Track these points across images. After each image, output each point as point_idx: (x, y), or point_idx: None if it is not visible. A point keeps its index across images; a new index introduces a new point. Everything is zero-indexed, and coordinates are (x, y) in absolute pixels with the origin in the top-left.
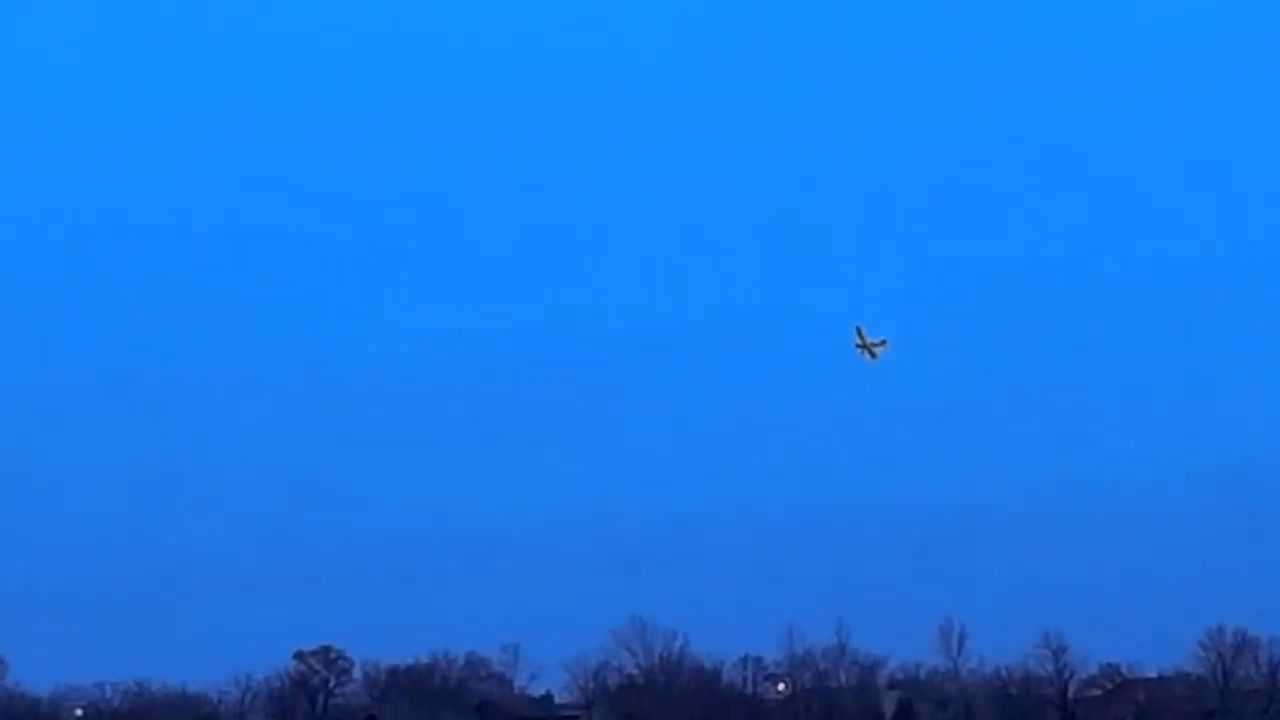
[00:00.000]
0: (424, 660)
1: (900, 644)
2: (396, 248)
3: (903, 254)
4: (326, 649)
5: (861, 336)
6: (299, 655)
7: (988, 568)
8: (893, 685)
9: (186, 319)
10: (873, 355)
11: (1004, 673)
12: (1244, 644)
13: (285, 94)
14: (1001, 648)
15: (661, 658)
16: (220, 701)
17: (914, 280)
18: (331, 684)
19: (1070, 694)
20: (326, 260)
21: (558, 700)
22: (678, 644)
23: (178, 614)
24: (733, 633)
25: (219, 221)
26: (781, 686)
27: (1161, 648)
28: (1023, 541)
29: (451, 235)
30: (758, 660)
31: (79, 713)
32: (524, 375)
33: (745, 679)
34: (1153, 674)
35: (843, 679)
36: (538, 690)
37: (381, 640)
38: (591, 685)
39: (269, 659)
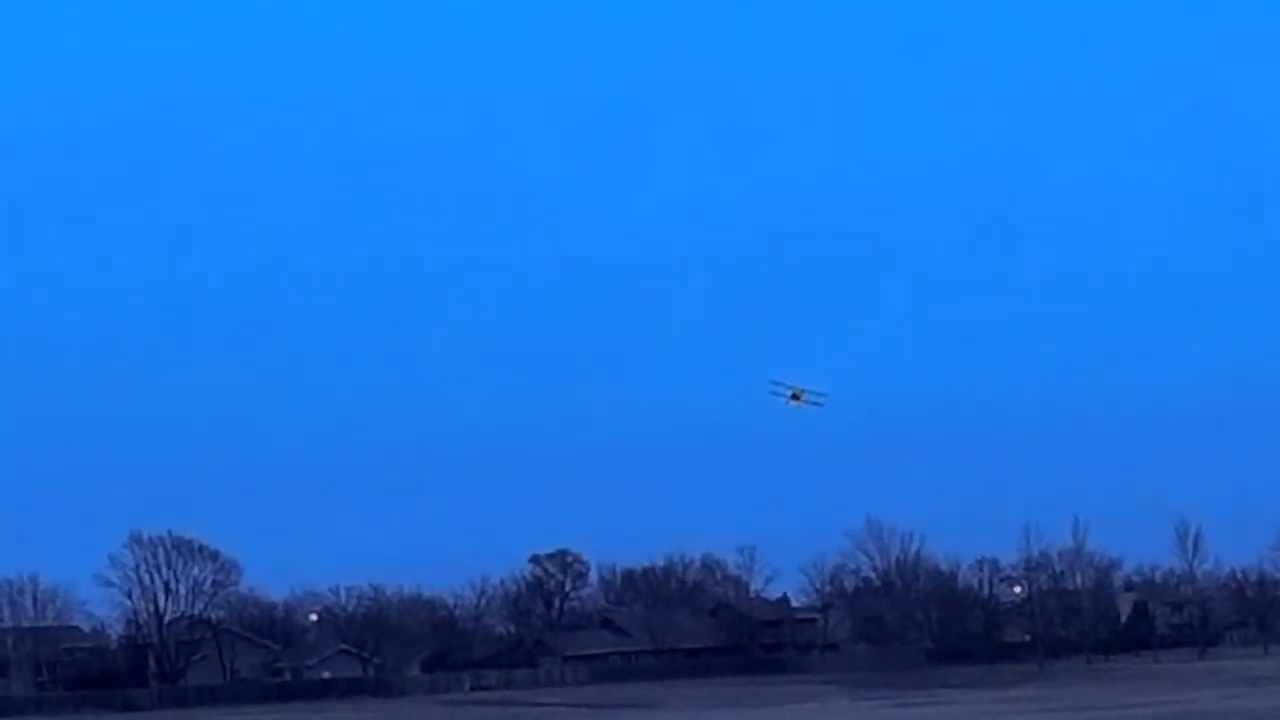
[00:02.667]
0: (660, 563)
1: (1136, 546)
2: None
3: None
4: (563, 552)
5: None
6: (535, 559)
7: (1224, 468)
8: (1129, 587)
9: (423, 213)
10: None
11: (1240, 574)
12: None
13: None
14: (1238, 549)
15: (898, 560)
16: (456, 605)
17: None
18: (568, 587)
19: None
20: (567, 148)
21: (794, 603)
22: (914, 546)
23: (413, 518)
24: (969, 534)
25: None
26: (1018, 589)
27: None
28: (1259, 441)
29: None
30: (994, 562)
31: (314, 617)
32: (767, 266)
33: (982, 581)
34: None
35: (1079, 581)
36: (774, 593)
37: (617, 543)
38: (828, 588)
39: (505, 562)
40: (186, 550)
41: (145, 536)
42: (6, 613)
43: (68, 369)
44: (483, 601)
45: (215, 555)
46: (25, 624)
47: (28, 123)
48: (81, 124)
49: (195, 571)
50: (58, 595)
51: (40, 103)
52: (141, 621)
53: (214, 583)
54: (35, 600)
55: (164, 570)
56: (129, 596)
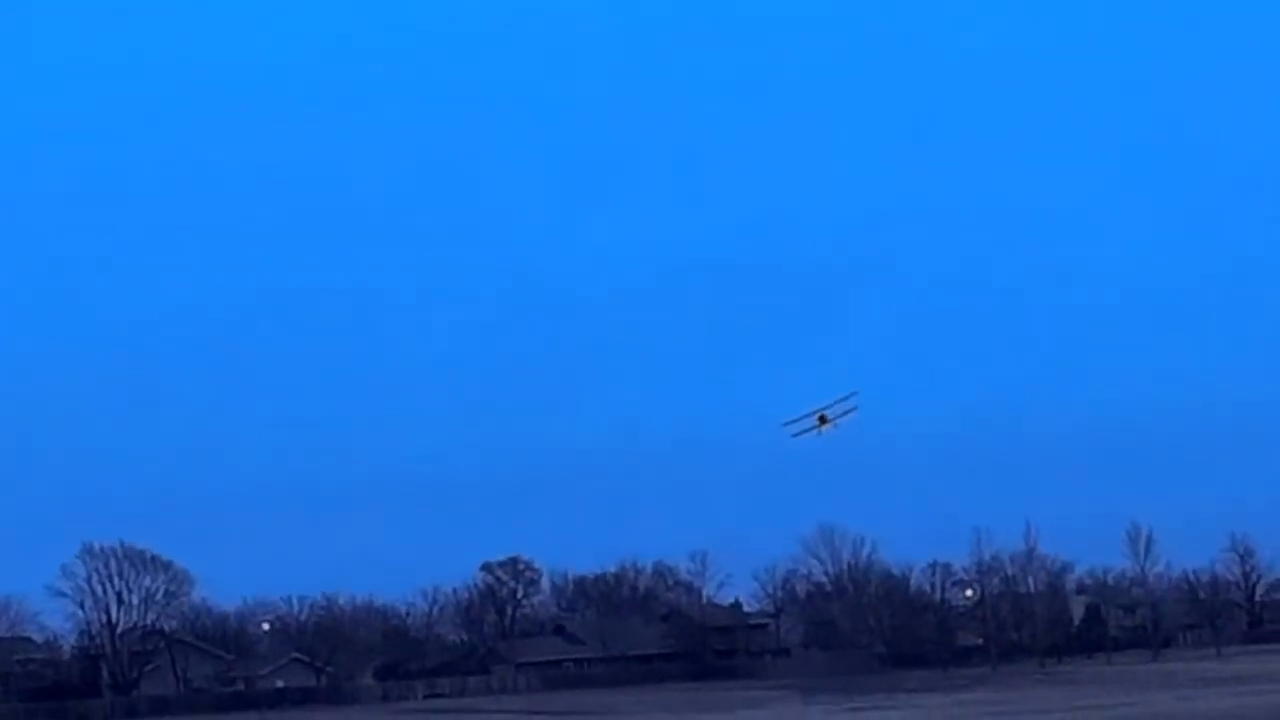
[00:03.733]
0: (612, 570)
1: (1088, 549)
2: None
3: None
4: (514, 560)
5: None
6: (486, 567)
7: (1175, 471)
8: (1081, 590)
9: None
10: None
11: (1192, 576)
12: None
13: None
14: (1189, 552)
15: (850, 565)
16: (409, 614)
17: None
18: (520, 595)
19: (1258, 597)
20: (535, 169)
21: (746, 608)
22: (866, 550)
23: (364, 528)
24: (921, 539)
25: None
26: (970, 592)
27: None
28: (1209, 444)
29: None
30: (946, 566)
31: (266, 626)
32: (728, 289)
33: (934, 585)
34: None
35: (1031, 584)
36: (726, 599)
37: (569, 550)
38: (780, 593)
39: (457, 571)
40: (139, 561)
41: (97, 547)
42: None
43: (20, 379)
44: (435, 610)
45: (167, 565)
46: None
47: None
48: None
49: (147, 582)
50: (10, 606)
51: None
52: (94, 632)
53: (166, 593)
54: None
55: (116, 581)
56: (81, 607)
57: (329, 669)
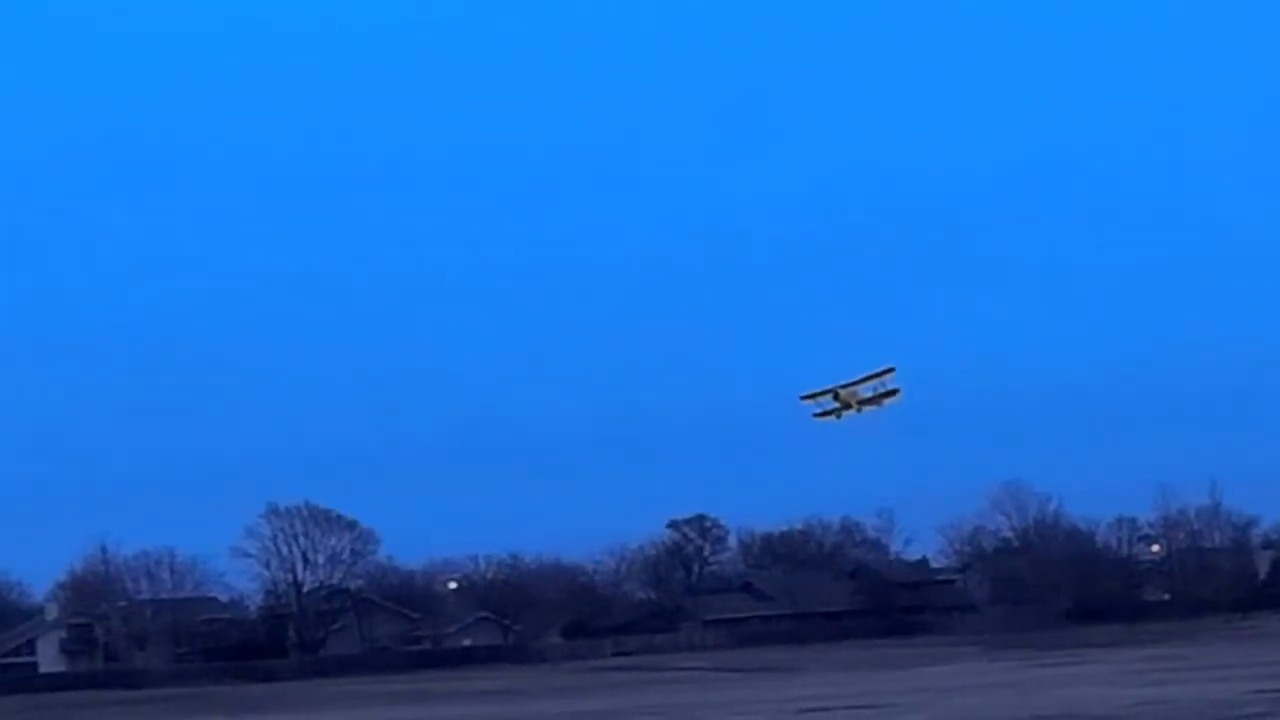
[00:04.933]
0: (798, 527)
1: (1274, 503)
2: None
3: None
4: (701, 517)
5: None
6: (673, 524)
7: None
8: (1267, 545)
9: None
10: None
11: None
12: None
13: None
14: None
15: (1036, 520)
16: (595, 572)
17: None
18: (706, 552)
19: None
20: (698, 122)
21: (933, 564)
22: (1052, 506)
23: (550, 486)
24: (1106, 494)
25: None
26: (1155, 548)
27: None
28: None
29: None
30: (1132, 522)
31: (452, 586)
32: (884, 242)
33: (1119, 540)
34: None
35: (1216, 539)
36: (913, 555)
37: (756, 508)
38: (967, 549)
39: (644, 528)
40: (324, 520)
41: (282, 507)
42: (145, 585)
43: (205, 345)
44: (621, 567)
45: (353, 525)
46: (163, 596)
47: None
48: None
49: (333, 541)
50: (195, 567)
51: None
52: (280, 592)
53: (352, 552)
54: (173, 572)
55: (301, 540)
56: (266, 567)
57: (516, 628)
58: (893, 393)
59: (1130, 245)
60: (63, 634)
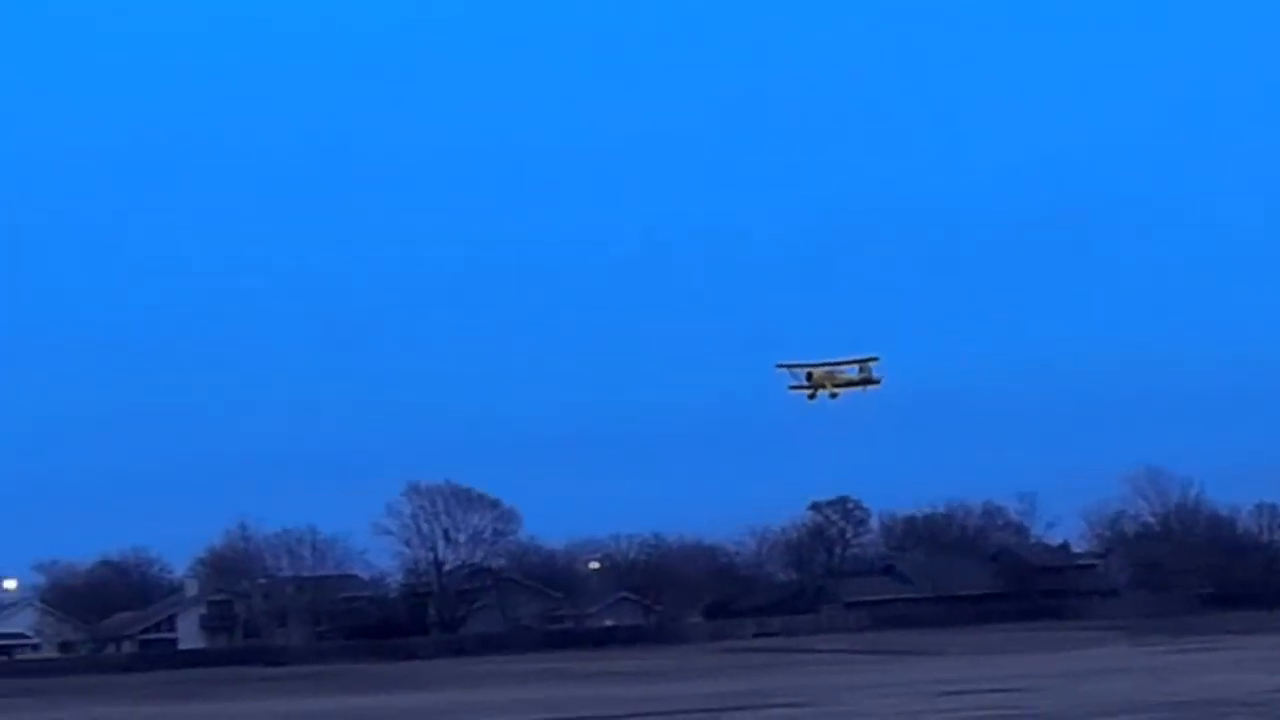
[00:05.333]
0: (941, 510)
1: None
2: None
3: None
4: (843, 499)
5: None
6: (815, 506)
7: None
8: None
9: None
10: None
11: None
12: None
13: None
14: None
15: (1177, 506)
16: (737, 553)
17: None
18: (848, 534)
19: None
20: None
21: (1074, 549)
22: (1193, 492)
23: (692, 466)
24: (1248, 480)
25: None
26: None
27: None
28: None
29: None
30: (1272, 508)
31: (594, 565)
32: (1029, 228)
33: (1260, 527)
34: None
35: None
36: (1054, 539)
37: (897, 490)
38: (1108, 534)
39: (786, 510)
40: (465, 499)
41: (423, 486)
42: (285, 562)
43: (349, 327)
44: (763, 549)
45: (494, 504)
46: (304, 574)
47: None
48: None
49: (475, 520)
50: (336, 545)
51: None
52: (420, 570)
53: (494, 531)
54: (314, 550)
55: (443, 519)
56: (407, 545)
57: (657, 608)
58: (873, 381)
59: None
60: (203, 610)
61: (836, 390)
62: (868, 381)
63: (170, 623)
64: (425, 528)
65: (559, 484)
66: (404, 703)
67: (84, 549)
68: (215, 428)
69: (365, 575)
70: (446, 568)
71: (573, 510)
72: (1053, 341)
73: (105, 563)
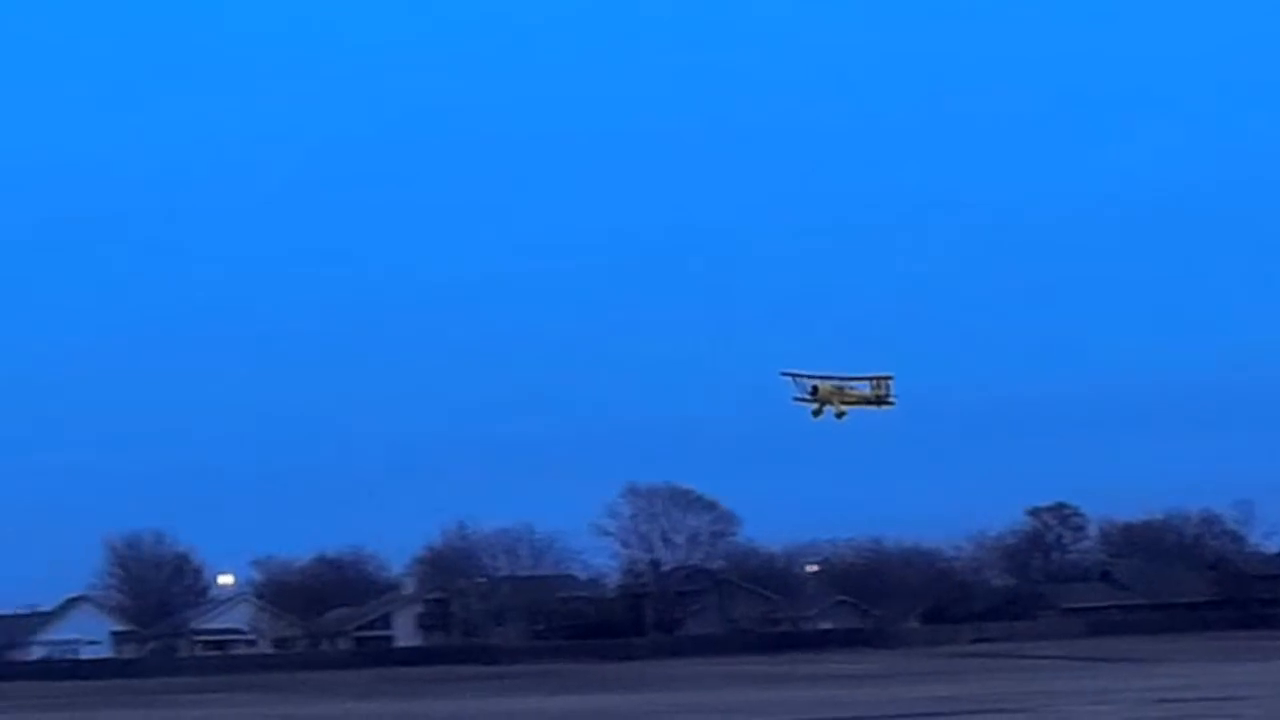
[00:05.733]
0: (1159, 517)
1: None
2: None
3: None
4: (1060, 506)
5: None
6: (1033, 511)
7: None
8: None
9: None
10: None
11: None
12: None
13: None
14: None
15: None
16: (955, 558)
17: None
18: (1066, 540)
19: None
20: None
21: None
22: None
23: (913, 471)
24: None
25: None
26: None
27: None
28: None
29: None
30: None
31: (812, 568)
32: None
33: None
34: None
35: None
36: (1272, 548)
37: (1116, 497)
38: None
39: (1003, 515)
40: (684, 500)
41: (642, 487)
42: (503, 561)
43: (569, 326)
44: (981, 554)
45: (713, 506)
46: (521, 573)
47: None
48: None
49: (693, 522)
50: (554, 544)
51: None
52: (638, 571)
53: (712, 533)
54: (532, 549)
55: (661, 520)
56: (625, 546)
57: (875, 612)
58: (887, 402)
59: None
60: (419, 608)
61: (844, 409)
62: (881, 401)
63: (386, 620)
64: (644, 529)
65: (778, 486)
66: (621, 703)
67: (301, 546)
68: (433, 426)
69: (582, 575)
70: (664, 569)
71: (792, 514)
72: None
73: (322, 559)
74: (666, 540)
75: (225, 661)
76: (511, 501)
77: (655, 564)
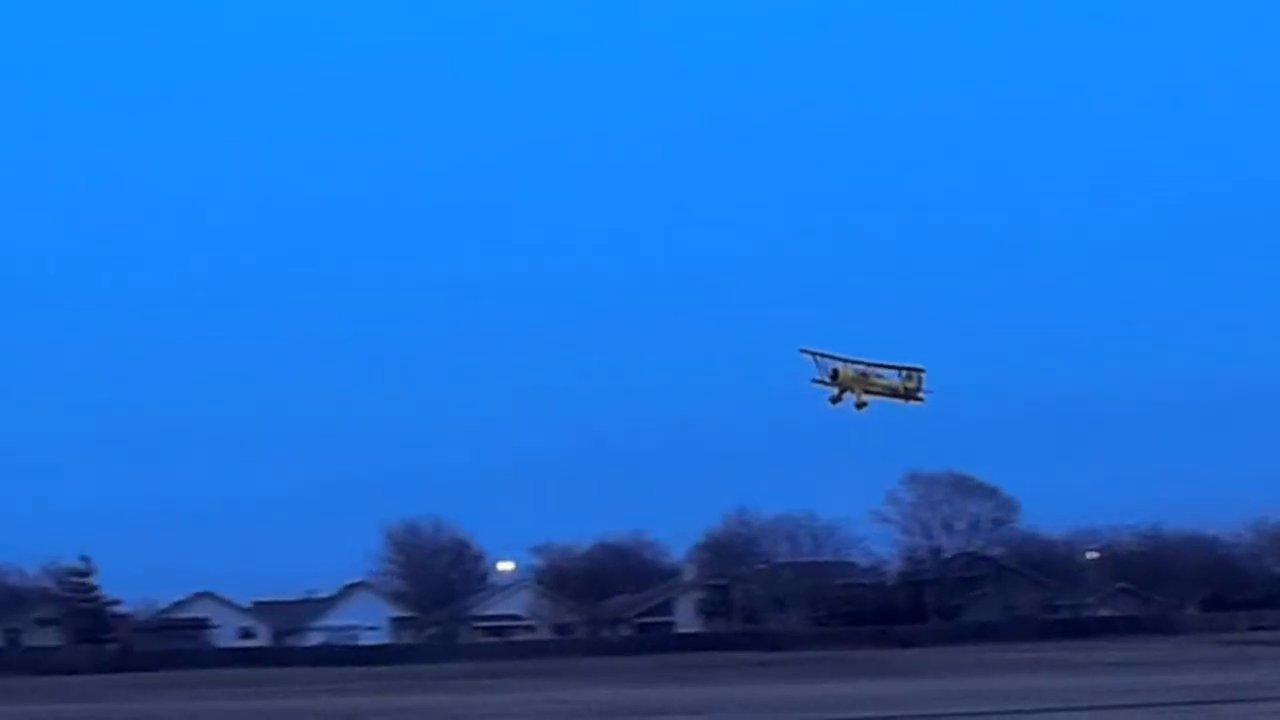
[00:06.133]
0: None
1: None
2: None
3: None
4: None
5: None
6: None
7: None
8: None
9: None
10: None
11: None
12: None
13: None
14: None
15: None
16: (1234, 545)
17: None
18: None
19: None
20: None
21: None
22: None
23: (1193, 458)
24: None
25: None
26: None
27: None
28: None
29: None
30: None
31: (1092, 555)
32: None
33: None
34: None
35: None
36: None
37: None
38: None
39: None
40: (965, 488)
41: (923, 474)
42: (783, 548)
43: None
44: (1261, 541)
45: (993, 492)
46: (802, 559)
47: None
48: None
49: (973, 509)
50: (834, 531)
51: None
52: (919, 558)
53: (993, 520)
54: (813, 536)
55: (942, 507)
56: (906, 533)
57: (1155, 599)
58: (916, 397)
59: None
60: (700, 594)
61: (865, 399)
62: (910, 395)
63: (667, 607)
64: (924, 516)
65: (1058, 472)
66: (901, 689)
67: (582, 532)
68: (712, 413)
69: (863, 562)
70: (944, 556)
71: (1072, 500)
72: None
73: (602, 545)
74: (947, 527)
75: (504, 647)
76: (792, 488)
77: (935, 551)
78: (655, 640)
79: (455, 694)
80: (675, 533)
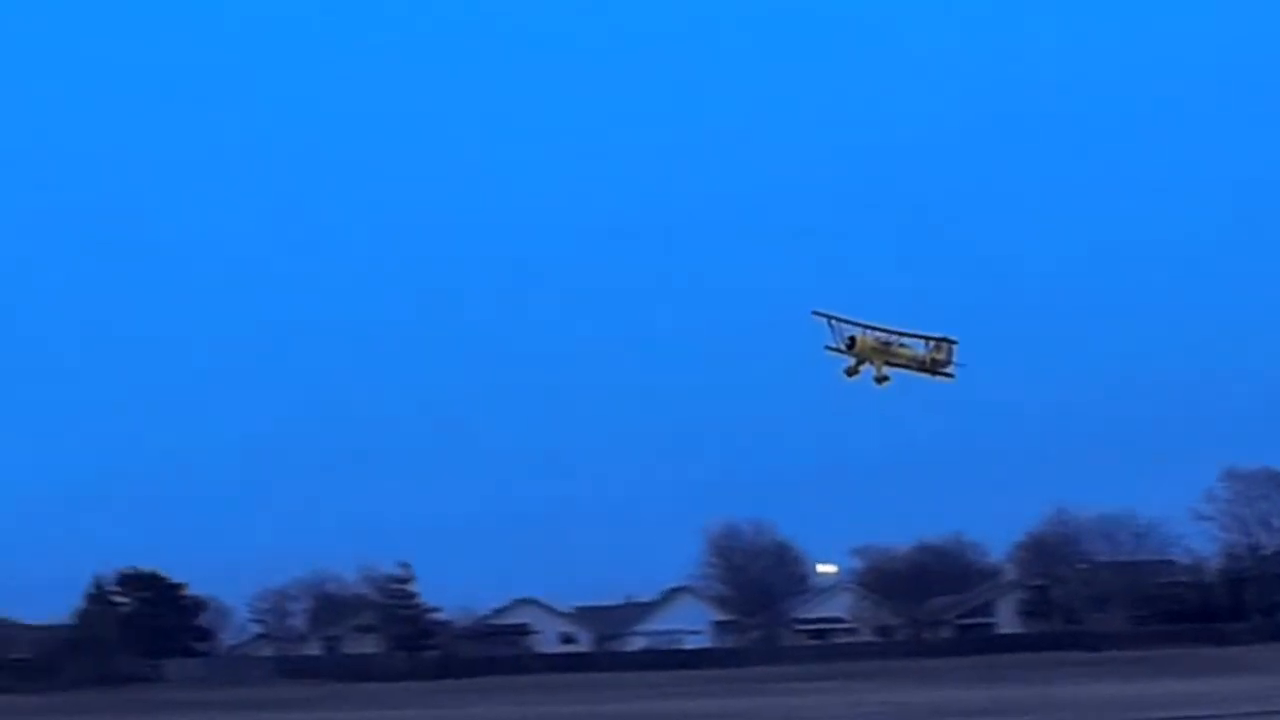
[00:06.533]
0: None
1: None
2: None
3: None
4: None
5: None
6: None
7: None
8: None
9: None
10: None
11: None
12: None
13: None
14: None
15: None
16: None
17: None
18: None
19: None
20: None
21: None
22: None
23: None
24: None
25: None
26: None
27: None
28: None
29: None
30: None
31: None
32: None
33: None
34: None
35: None
36: None
37: None
38: None
39: None
40: None
41: (1242, 471)
42: (1104, 547)
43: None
44: None
45: None
46: (1122, 558)
47: None
48: None
49: None
50: (1154, 529)
51: None
52: (1238, 555)
53: None
54: (1132, 535)
55: (1261, 504)
56: (1224, 530)
57: None
58: (946, 372)
59: None
60: (1020, 595)
61: (886, 372)
62: (938, 369)
63: (987, 607)
64: (1242, 512)
65: None
66: (1221, 687)
67: (902, 534)
68: (1029, 409)
69: (1183, 560)
70: (1263, 553)
71: None
72: None
73: (923, 547)
74: (1266, 524)
75: (827, 650)
76: (1110, 487)
77: (1254, 548)
78: (976, 641)
79: (783, 696)
80: (995, 533)
